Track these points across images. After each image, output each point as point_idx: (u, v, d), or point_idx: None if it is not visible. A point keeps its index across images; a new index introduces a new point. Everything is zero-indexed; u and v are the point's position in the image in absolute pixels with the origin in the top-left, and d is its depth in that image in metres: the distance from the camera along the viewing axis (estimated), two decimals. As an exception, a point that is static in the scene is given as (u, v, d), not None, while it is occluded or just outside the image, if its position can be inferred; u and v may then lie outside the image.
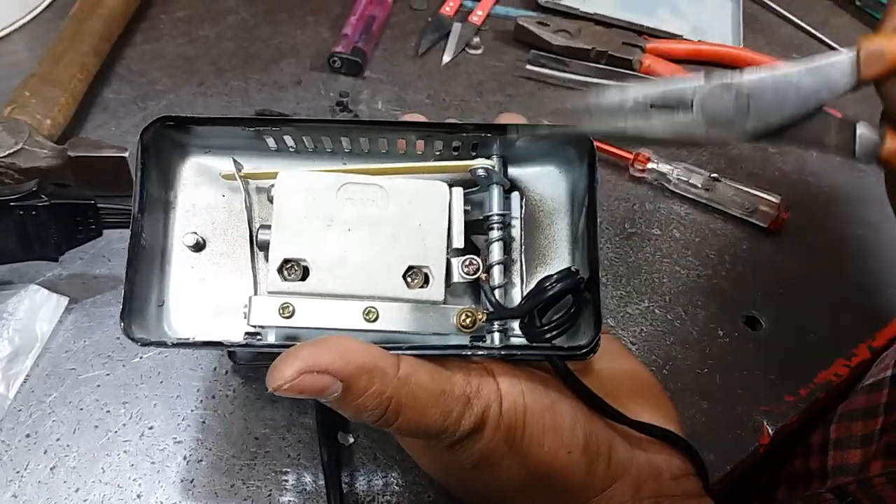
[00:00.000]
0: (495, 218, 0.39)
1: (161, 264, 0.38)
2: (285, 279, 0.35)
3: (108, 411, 0.47)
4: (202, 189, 0.40)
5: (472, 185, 0.39)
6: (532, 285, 0.38)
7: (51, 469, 0.45)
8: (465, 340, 0.37)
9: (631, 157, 0.65)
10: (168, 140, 0.38)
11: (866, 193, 0.68)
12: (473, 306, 0.37)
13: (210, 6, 0.73)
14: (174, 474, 0.45)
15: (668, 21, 0.80)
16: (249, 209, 0.39)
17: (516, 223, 0.40)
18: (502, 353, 0.36)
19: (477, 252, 0.40)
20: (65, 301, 0.51)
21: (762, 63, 0.76)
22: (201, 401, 0.48)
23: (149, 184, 0.37)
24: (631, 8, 0.81)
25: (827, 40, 0.83)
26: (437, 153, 0.40)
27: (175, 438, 0.46)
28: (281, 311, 0.35)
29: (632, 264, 0.60)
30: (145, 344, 0.35)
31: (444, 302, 0.36)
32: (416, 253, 0.36)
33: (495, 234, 0.39)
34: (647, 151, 0.65)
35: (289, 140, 0.39)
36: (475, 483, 0.38)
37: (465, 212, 0.38)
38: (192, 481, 0.45)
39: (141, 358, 0.50)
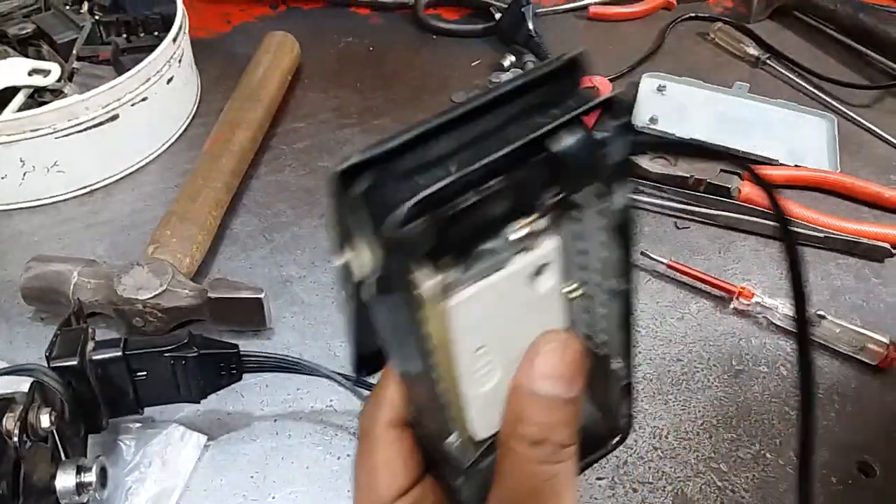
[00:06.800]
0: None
1: None
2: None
3: (246, 553, 0.50)
4: None
5: None
6: None
7: None
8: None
9: (735, 290, 0.66)
10: None
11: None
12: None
13: (328, 136, 0.78)
14: None
15: (764, 145, 0.81)
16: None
17: None
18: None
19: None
20: (203, 439, 0.54)
21: (860, 189, 0.76)
22: (332, 545, 0.50)
23: None
24: (726, 131, 0.83)
25: (924, 161, 0.83)
26: None
27: (308, 584, 0.49)
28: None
29: (741, 404, 0.61)
30: None
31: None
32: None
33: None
34: (751, 286, 0.66)
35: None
36: None
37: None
38: None
39: (273, 498, 0.52)
